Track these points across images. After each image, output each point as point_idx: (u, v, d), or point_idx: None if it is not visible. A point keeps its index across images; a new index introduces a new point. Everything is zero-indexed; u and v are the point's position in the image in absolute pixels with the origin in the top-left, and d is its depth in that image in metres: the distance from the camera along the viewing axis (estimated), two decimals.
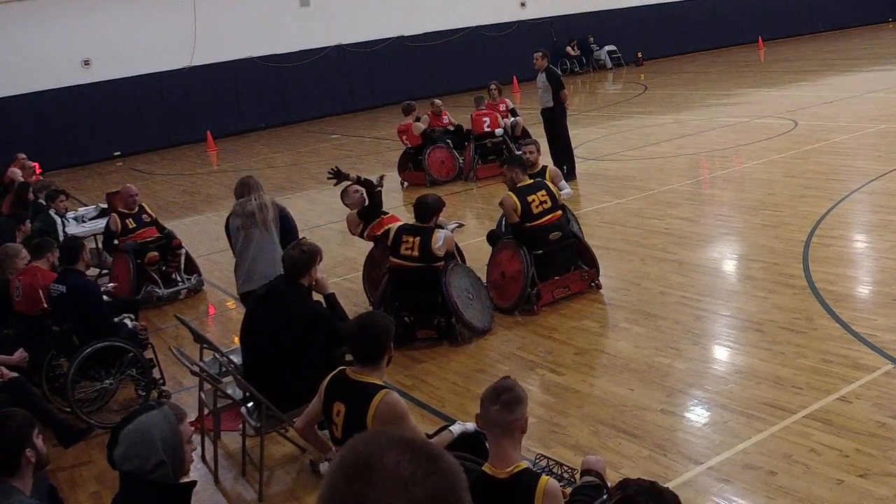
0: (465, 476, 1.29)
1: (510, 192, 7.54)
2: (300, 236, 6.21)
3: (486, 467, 3.33)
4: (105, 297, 7.65)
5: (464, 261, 7.82)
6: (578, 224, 8.39)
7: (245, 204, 6.71)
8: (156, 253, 9.15)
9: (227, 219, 6.98)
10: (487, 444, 3.40)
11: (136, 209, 9.41)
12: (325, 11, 24.98)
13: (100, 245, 10.80)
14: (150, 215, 9.54)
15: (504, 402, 3.28)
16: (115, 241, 9.22)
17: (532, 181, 7.69)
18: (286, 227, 6.80)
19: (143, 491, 2.97)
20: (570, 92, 13.27)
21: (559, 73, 13.08)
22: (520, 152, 9.65)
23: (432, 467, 1.23)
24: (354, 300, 8.02)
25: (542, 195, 7.51)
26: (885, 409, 4.95)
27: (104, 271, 10.21)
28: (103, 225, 10.54)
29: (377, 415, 3.86)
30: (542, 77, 12.38)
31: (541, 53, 12.57)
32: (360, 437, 1.28)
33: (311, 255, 5.34)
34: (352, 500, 1.21)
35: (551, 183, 7.87)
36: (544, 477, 3.32)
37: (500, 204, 7.75)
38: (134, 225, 9.28)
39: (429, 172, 13.30)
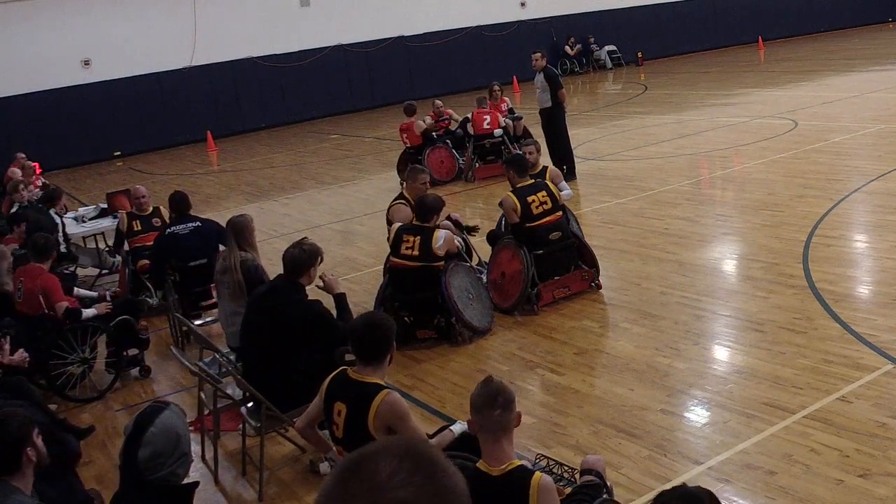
0: (465, 495, 1.28)
1: (510, 193, 7.54)
2: (302, 236, 6.19)
3: (480, 465, 3.33)
4: (107, 297, 7.69)
5: (471, 255, 7.82)
6: (578, 224, 8.38)
7: (224, 258, 6.49)
8: (146, 261, 8.44)
9: None
10: (482, 445, 3.39)
11: (150, 211, 8.89)
12: (325, 11, 24.98)
13: (100, 245, 10.82)
14: (162, 220, 8.80)
15: (502, 405, 3.29)
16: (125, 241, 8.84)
17: (532, 181, 7.69)
18: (252, 284, 6.20)
19: (146, 492, 2.98)
20: (569, 92, 13.29)
21: (558, 72, 13.07)
22: (520, 152, 9.63)
23: (414, 479, 1.22)
24: (354, 300, 7.99)
25: (543, 196, 7.50)
26: (885, 409, 4.95)
27: (103, 271, 10.21)
28: (103, 225, 10.55)
29: (378, 415, 3.86)
30: (540, 77, 12.38)
31: (539, 53, 12.59)
32: (380, 439, 1.31)
33: (312, 255, 5.34)
34: (335, 500, 1.23)
35: (551, 183, 7.86)
36: (538, 473, 3.32)
37: (500, 204, 7.74)
38: (140, 228, 8.75)
39: (429, 172, 13.27)
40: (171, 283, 7.81)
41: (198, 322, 7.28)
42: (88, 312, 6.93)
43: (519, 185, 7.55)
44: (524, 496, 3.20)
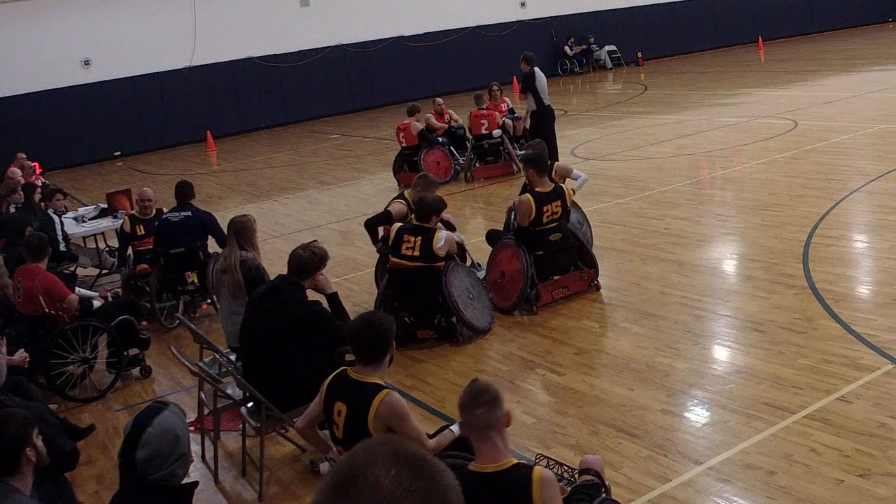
0: (459, 490, 1.28)
1: (529, 196, 7.36)
2: (311, 239, 6.18)
3: (471, 466, 3.32)
4: (108, 298, 7.68)
5: (463, 256, 7.79)
6: (590, 225, 8.44)
7: (224, 257, 6.46)
8: (146, 266, 8.37)
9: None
10: (474, 446, 3.37)
11: (153, 215, 8.70)
12: (325, 11, 24.98)
13: (100, 245, 10.81)
14: None
15: (486, 402, 3.26)
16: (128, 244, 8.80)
17: (553, 186, 7.49)
18: (253, 283, 6.15)
19: (145, 492, 2.98)
20: (569, 92, 13.33)
21: (534, 75, 12.79)
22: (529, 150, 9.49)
23: (416, 486, 1.22)
24: (354, 300, 8.02)
25: (556, 206, 7.39)
26: (885, 409, 4.95)
27: (103, 271, 10.19)
28: (103, 225, 10.53)
29: (378, 415, 3.86)
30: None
31: (522, 56, 12.77)
32: (363, 444, 1.29)
33: (320, 259, 5.36)
34: None
35: (565, 186, 7.73)
36: (537, 467, 3.32)
37: (519, 201, 7.48)
38: (143, 232, 8.61)
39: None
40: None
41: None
42: (95, 303, 7.20)
43: (538, 190, 7.40)
44: (527, 490, 3.20)
